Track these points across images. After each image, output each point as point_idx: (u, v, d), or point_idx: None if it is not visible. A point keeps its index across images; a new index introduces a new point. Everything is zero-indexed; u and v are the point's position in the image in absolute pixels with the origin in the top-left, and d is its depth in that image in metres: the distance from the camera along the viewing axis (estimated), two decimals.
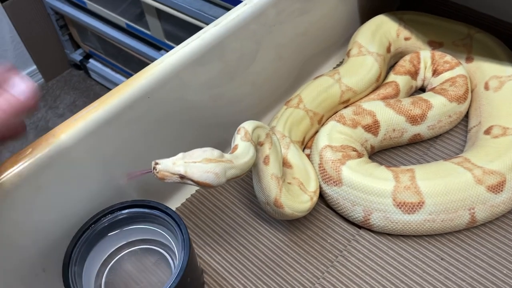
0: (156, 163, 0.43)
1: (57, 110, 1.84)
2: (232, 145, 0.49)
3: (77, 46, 1.92)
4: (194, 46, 0.53)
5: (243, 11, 0.56)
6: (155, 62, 0.51)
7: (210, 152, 0.45)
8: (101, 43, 1.74)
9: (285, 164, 0.57)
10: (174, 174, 0.43)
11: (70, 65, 1.99)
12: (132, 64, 1.69)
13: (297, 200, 0.54)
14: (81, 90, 1.91)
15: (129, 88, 0.48)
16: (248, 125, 0.50)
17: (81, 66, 1.93)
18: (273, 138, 0.53)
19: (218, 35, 0.54)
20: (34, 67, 1.88)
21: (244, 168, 0.47)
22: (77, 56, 1.91)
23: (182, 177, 0.43)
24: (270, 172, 0.52)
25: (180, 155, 0.45)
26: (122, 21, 1.51)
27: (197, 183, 0.44)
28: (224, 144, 0.66)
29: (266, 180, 0.52)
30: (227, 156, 0.46)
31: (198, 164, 0.44)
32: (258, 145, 0.51)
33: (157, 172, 0.43)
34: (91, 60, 1.89)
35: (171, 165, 0.43)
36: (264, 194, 0.53)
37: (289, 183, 0.55)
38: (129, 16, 1.49)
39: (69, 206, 0.48)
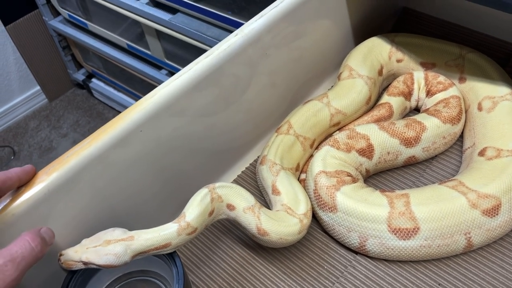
0: (61, 254, 0.44)
1: (60, 130, 1.86)
2: None
3: (79, 66, 1.94)
4: (186, 78, 0.53)
5: (234, 42, 0.57)
6: (147, 95, 0.51)
7: (110, 233, 0.46)
8: (103, 63, 1.76)
9: (273, 191, 0.57)
10: (77, 262, 0.44)
11: (73, 85, 2.02)
12: (134, 83, 1.70)
13: (282, 224, 0.53)
14: (84, 110, 1.93)
15: (121, 123, 0.49)
16: (190, 215, 0.49)
17: (84, 86, 1.95)
18: (217, 190, 0.52)
19: (210, 66, 0.55)
20: (38, 87, 1.90)
21: (148, 245, 0.46)
22: (80, 76, 1.93)
23: (85, 263, 0.44)
24: (241, 208, 0.52)
25: (83, 241, 0.46)
26: (123, 41, 1.53)
27: (99, 266, 0.44)
28: (218, 172, 0.66)
29: (242, 217, 0.53)
30: (130, 232, 0.46)
31: (98, 247, 0.44)
32: (210, 215, 0.51)
33: (62, 263, 0.44)
34: (93, 80, 1.91)
35: (73, 253, 0.44)
36: (247, 229, 0.53)
37: (277, 211, 0.56)
38: (129, 36, 1.51)
39: (67, 239, 0.49)
